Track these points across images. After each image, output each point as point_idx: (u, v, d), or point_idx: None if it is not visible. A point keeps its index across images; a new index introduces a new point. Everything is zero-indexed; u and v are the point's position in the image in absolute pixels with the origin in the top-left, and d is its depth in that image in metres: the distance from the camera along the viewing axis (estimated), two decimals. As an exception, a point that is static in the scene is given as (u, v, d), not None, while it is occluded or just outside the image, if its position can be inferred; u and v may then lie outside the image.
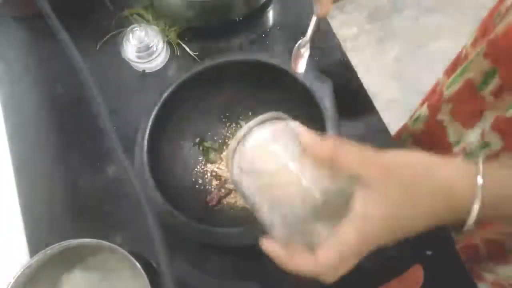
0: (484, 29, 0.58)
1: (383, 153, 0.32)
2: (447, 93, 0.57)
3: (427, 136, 0.66)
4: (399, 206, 0.31)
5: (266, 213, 0.34)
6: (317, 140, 0.33)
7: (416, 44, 1.64)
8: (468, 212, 0.30)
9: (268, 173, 0.34)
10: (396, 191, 0.31)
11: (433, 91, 0.76)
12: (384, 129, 0.61)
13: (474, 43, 0.60)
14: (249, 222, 0.51)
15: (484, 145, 0.52)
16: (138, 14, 0.71)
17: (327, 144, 0.32)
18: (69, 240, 0.47)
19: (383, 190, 0.30)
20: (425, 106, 0.64)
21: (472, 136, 0.55)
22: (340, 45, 0.68)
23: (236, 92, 0.61)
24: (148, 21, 0.70)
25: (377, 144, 0.60)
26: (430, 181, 0.31)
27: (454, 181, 0.30)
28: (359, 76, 0.64)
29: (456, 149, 0.59)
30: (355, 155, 0.32)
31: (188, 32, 0.70)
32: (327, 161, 0.32)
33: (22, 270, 0.46)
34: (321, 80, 0.54)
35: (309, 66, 0.66)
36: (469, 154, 0.56)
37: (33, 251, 0.58)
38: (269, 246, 0.34)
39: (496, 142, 0.51)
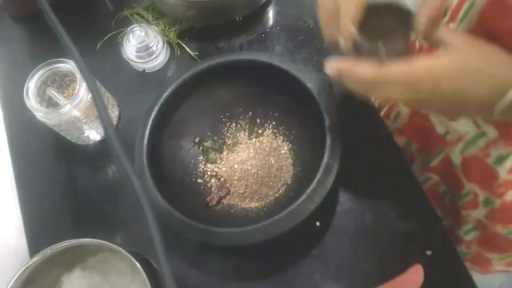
0: None
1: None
2: None
3: (412, 130, 0.65)
4: (473, 62, 0.37)
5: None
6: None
7: (416, 44, 1.64)
8: None
9: None
10: (474, 53, 0.38)
11: None
12: (384, 129, 0.61)
13: None
14: (249, 222, 0.51)
15: (482, 134, 0.52)
16: (138, 14, 0.71)
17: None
18: (69, 240, 0.47)
19: (464, 52, 0.38)
20: None
21: (462, 126, 0.55)
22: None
23: (236, 92, 0.61)
24: (148, 21, 0.70)
25: (377, 143, 0.60)
26: (506, 56, 0.37)
27: None
28: (359, 76, 0.64)
29: (449, 138, 0.59)
30: (448, 31, 0.40)
31: (188, 32, 0.70)
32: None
33: (22, 270, 0.46)
34: (321, 80, 0.54)
35: (309, 65, 0.66)
36: (468, 143, 0.55)
37: (33, 251, 0.58)
38: (338, 61, 0.42)
39: (491, 131, 0.51)
